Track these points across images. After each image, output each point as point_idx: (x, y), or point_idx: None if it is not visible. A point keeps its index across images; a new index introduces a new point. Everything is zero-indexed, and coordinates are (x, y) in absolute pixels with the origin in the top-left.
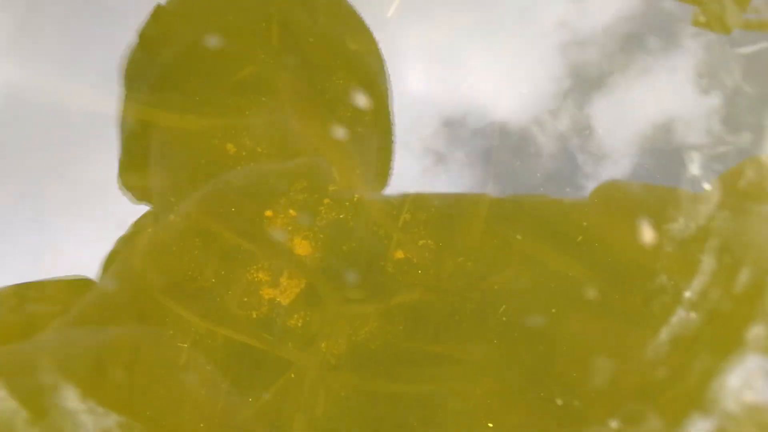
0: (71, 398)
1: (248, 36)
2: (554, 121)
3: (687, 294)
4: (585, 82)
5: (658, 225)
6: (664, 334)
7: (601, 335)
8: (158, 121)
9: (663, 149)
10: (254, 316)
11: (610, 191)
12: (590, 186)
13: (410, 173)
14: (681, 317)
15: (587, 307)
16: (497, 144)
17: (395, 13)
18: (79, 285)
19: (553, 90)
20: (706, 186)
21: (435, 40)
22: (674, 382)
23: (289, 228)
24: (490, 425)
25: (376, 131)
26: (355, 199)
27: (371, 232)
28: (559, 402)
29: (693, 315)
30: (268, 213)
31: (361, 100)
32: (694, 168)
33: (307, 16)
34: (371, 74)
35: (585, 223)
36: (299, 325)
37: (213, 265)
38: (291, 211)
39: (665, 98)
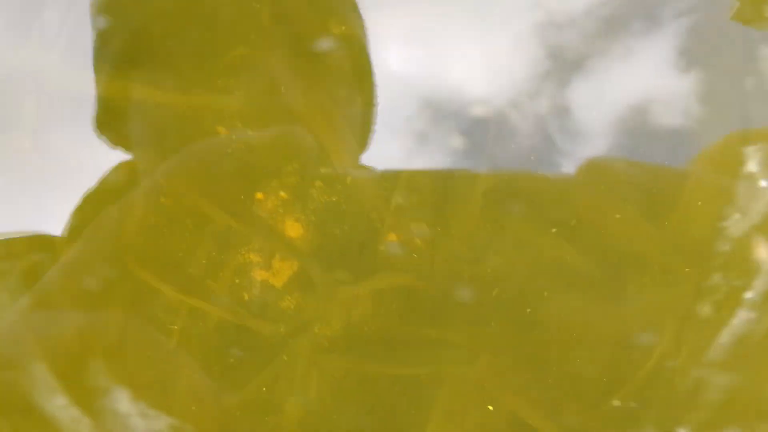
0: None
1: (238, 17)
2: (532, 102)
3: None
4: (564, 64)
5: (651, 206)
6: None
7: (594, 319)
8: (137, 95)
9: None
10: (246, 298)
11: (596, 171)
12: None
13: (392, 153)
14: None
15: (580, 292)
16: (476, 125)
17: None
18: (39, 242)
19: (530, 72)
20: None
21: (412, 22)
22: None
23: (281, 210)
24: (490, 408)
25: (362, 104)
26: (348, 181)
27: (363, 215)
28: (553, 383)
29: (706, 309)
30: (259, 195)
31: (348, 74)
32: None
33: None
34: (359, 50)
35: (578, 206)
36: (291, 307)
37: (205, 246)
38: (282, 194)
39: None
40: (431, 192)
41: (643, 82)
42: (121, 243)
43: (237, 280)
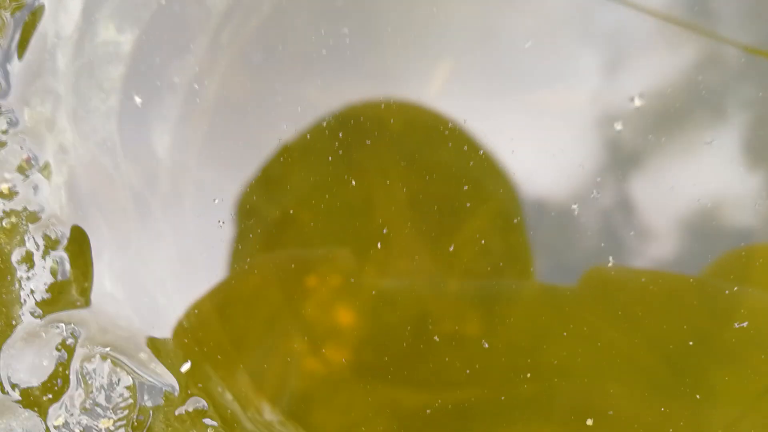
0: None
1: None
2: (596, 195)
3: None
4: (624, 160)
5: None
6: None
7: (671, 416)
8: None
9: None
10: (297, 384)
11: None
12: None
13: None
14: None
15: (650, 387)
16: (538, 220)
17: (433, 93)
18: None
19: (592, 167)
20: None
21: (473, 112)
22: None
23: (333, 297)
24: None
25: None
26: (401, 268)
27: (417, 302)
28: None
29: None
30: (311, 280)
31: None
32: None
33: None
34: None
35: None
36: (342, 403)
37: (256, 332)
38: (334, 279)
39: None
40: (488, 278)
41: (709, 178)
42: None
43: (288, 366)
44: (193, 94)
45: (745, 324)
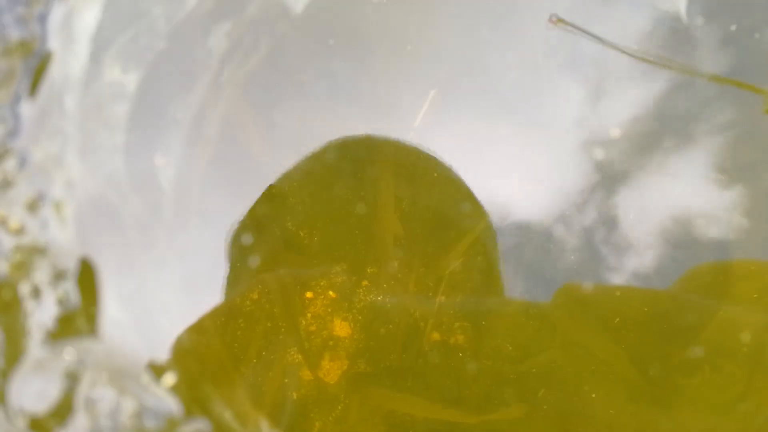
0: None
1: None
2: (579, 215)
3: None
4: (608, 180)
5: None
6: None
7: (647, 423)
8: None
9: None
10: (295, 397)
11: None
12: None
13: None
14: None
15: (630, 394)
16: (524, 240)
17: (421, 124)
18: None
19: (575, 186)
20: None
21: (459, 141)
22: None
23: (329, 310)
24: None
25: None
26: (393, 280)
27: (408, 314)
28: None
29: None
30: (309, 294)
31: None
32: None
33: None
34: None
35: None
36: (339, 409)
37: (255, 345)
38: (331, 293)
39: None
40: (475, 291)
41: (684, 196)
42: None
43: (286, 380)
44: (196, 128)
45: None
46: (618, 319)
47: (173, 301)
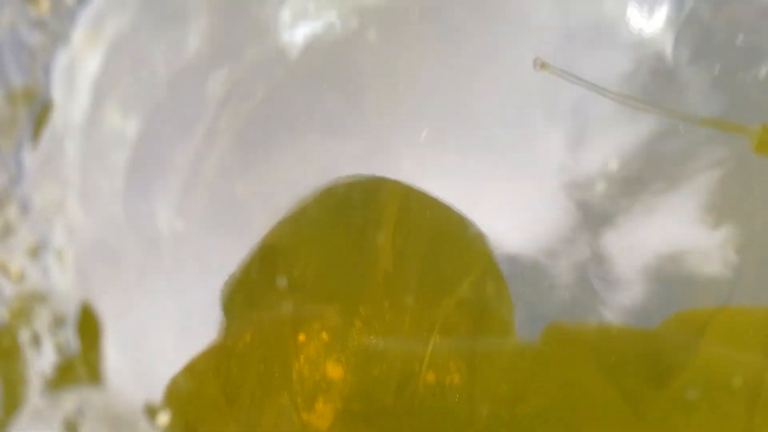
0: None
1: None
2: (567, 252)
3: None
4: (593, 220)
5: None
6: None
7: None
8: None
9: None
10: None
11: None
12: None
13: None
14: None
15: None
16: (511, 275)
17: (418, 160)
18: None
19: (562, 224)
20: None
21: (453, 174)
22: None
23: (322, 352)
24: None
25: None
26: (387, 320)
27: (402, 355)
28: None
29: None
30: (301, 337)
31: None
32: None
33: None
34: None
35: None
36: None
37: (248, 388)
38: (324, 335)
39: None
40: (470, 331)
41: (671, 238)
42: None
43: (279, 423)
44: (194, 172)
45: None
46: (613, 358)
47: (171, 344)
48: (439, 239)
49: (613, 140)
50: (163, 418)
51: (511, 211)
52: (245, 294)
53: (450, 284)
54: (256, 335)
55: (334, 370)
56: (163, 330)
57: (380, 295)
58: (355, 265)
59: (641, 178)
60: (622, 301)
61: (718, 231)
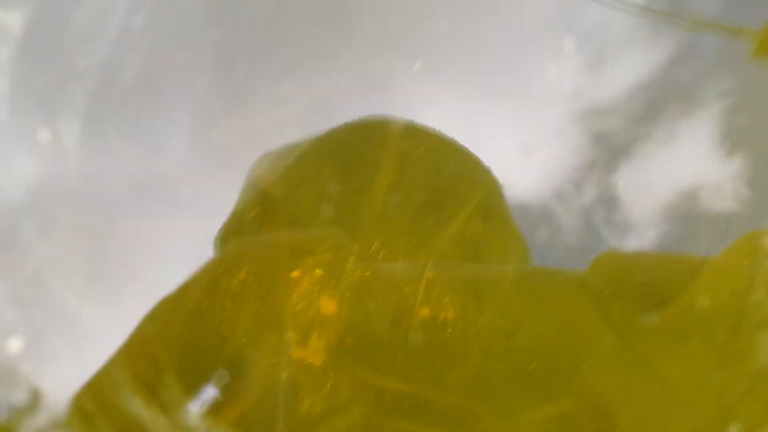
0: None
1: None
2: (577, 192)
3: None
4: (609, 151)
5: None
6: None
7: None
8: None
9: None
10: (283, 377)
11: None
12: None
13: None
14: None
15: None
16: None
17: (415, 92)
18: None
19: (575, 161)
20: None
21: (453, 107)
22: None
23: (316, 288)
24: None
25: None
26: (381, 256)
27: (396, 290)
28: None
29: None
30: (295, 273)
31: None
32: None
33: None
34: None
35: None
36: (329, 386)
37: (244, 325)
38: (317, 271)
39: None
40: (465, 266)
41: (688, 166)
42: (167, 333)
43: (274, 359)
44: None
45: None
46: (607, 290)
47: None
48: (437, 173)
49: (626, 65)
50: None
51: (517, 147)
52: (240, 237)
53: (446, 218)
54: (250, 273)
55: (328, 306)
56: None
57: (375, 230)
58: (351, 204)
59: (654, 105)
60: (632, 243)
61: (731, 162)
